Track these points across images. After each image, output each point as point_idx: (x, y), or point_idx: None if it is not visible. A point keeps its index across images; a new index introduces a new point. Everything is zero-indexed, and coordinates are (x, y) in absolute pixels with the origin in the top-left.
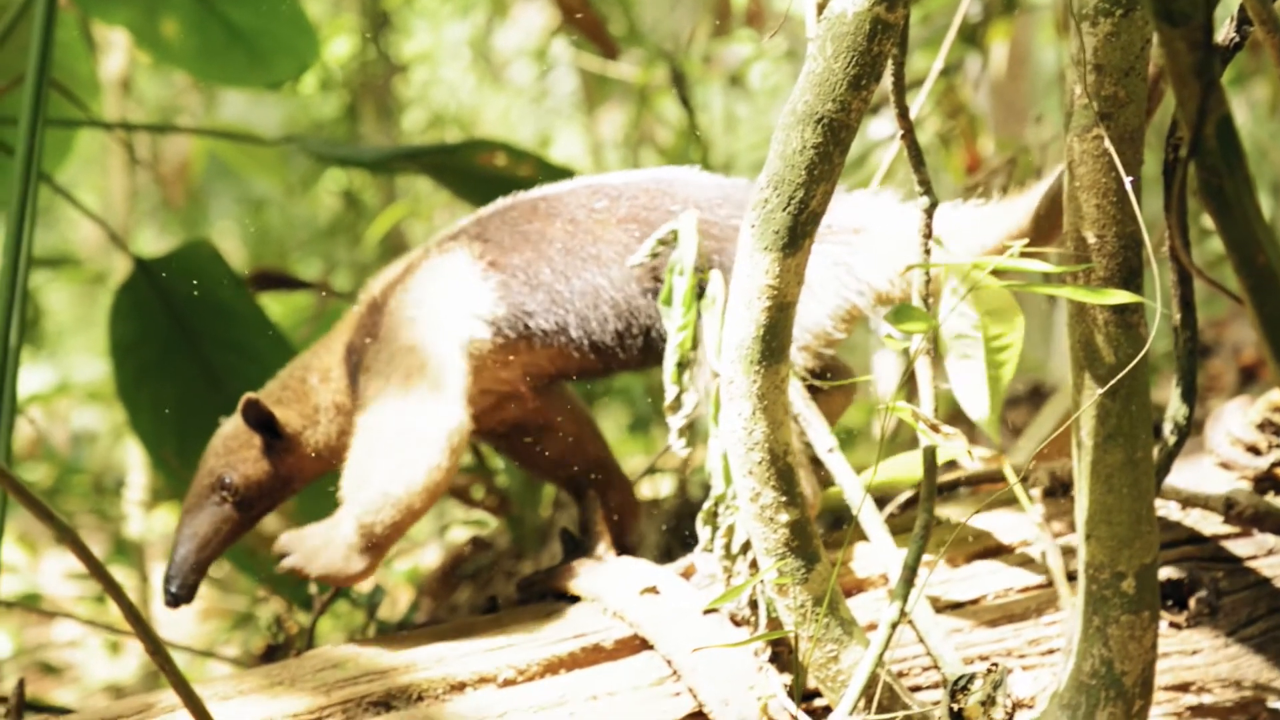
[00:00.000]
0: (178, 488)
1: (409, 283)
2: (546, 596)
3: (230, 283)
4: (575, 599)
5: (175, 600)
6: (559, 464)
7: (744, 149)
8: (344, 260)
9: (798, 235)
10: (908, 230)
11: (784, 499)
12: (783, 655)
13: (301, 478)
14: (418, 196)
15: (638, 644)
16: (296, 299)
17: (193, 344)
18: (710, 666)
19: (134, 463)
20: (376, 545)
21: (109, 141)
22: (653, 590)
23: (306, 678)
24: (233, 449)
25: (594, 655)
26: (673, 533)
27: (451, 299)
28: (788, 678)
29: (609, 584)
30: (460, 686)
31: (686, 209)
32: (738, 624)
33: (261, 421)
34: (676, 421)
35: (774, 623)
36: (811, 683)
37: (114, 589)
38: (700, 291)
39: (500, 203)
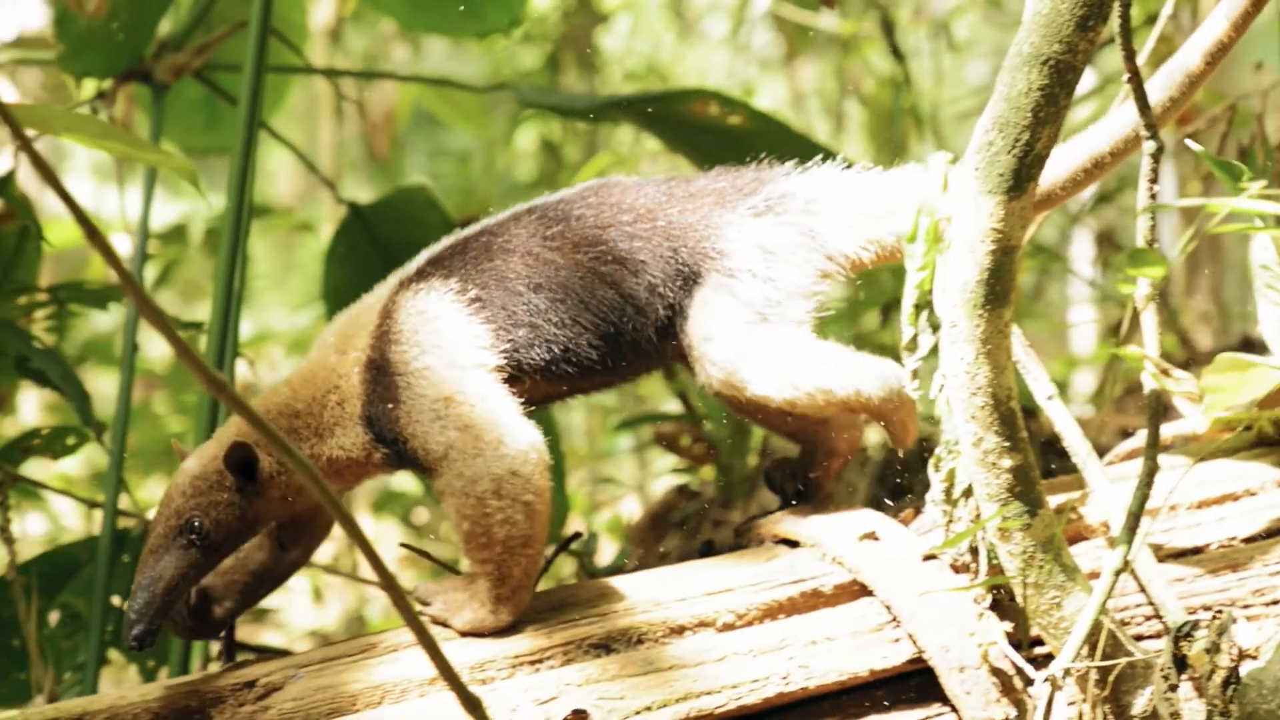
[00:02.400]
0: None
1: (399, 335)
2: (764, 542)
3: (445, 229)
4: (793, 544)
5: (140, 644)
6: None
7: (945, 101)
8: None
9: (1023, 178)
10: (866, 198)
11: (1007, 444)
12: (1003, 602)
13: (265, 519)
14: (618, 148)
15: (856, 590)
16: None
17: None
18: (930, 613)
19: None
20: (521, 586)
21: (317, 91)
22: (872, 536)
23: (528, 620)
24: (202, 490)
25: (812, 600)
26: (881, 482)
27: (452, 338)
28: (1008, 625)
29: (828, 529)
30: (679, 630)
31: (639, 220)
32: (957, 570)
33: (242, 465)
34: (911, 363)
35: (994, 569)
36: (1033, 630)
37: (352, 526)
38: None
39: (448, 241)
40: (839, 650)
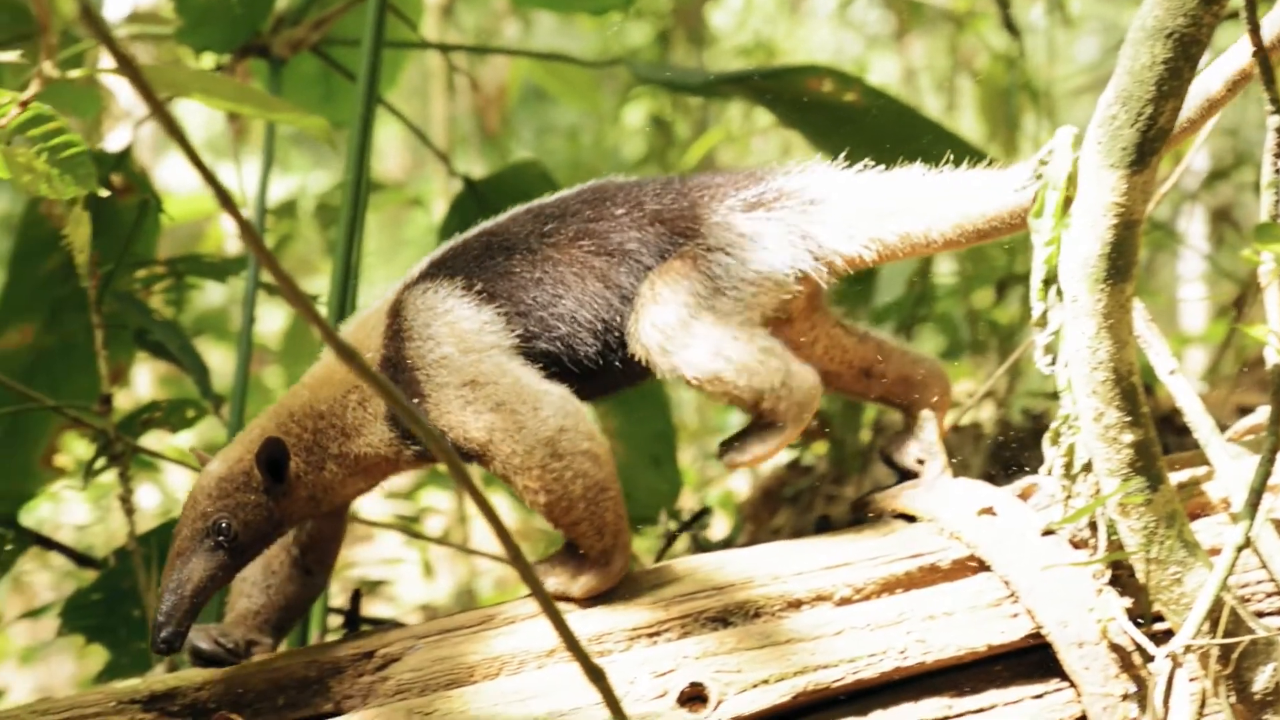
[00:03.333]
0: None
1: (411, 331)
2: (881, 516)
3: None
4: (911, 519)
5: (168, 648)
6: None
7: (1057, 78)
8: None
9: (1145, 152)
10: (869, 198)
11: (1128, 419)
12: (1122, 578)
13: (290, 520)
14: (728, 124)
15: (975, 565)
16: None
17: None
18: (1049, 588)
19: None
20: (618, 533)
21: (429, 67)
22: (990, 511)
23: (646, 593)
24: (229, 492)
25: (930, 575)
26: (994, 457)
27: (464, 325)
28: (1128, 600)
29: (945, 504)
30: (797, 604)
31: (631, 211)
32: (1076, 546)
33: (273, 463)
34: (1043, 339)
35: (1114, 545)
36: (1153, 607)
37: (480, 498)
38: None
39: (447, 245)
40: (957, 625)
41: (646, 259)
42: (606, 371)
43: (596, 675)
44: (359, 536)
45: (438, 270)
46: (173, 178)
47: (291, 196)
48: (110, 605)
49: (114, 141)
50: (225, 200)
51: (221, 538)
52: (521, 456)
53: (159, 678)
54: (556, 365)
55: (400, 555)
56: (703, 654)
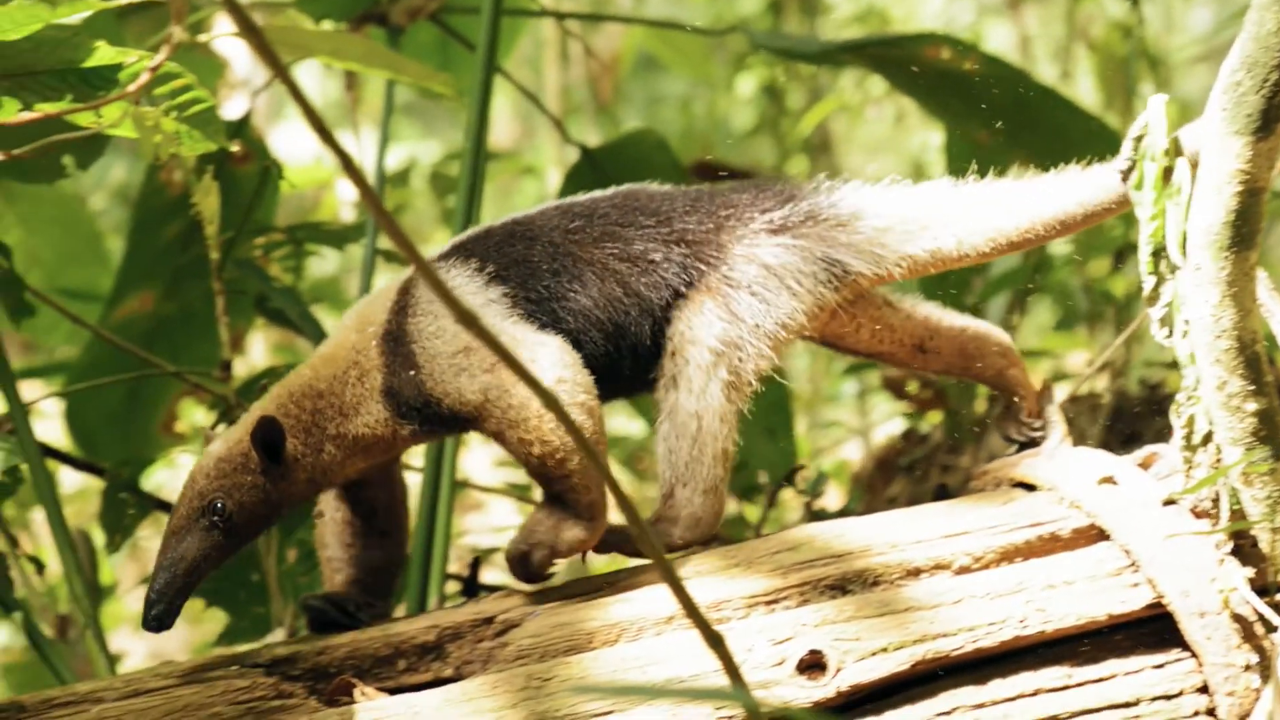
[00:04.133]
0: None
1: (417, 305)
2: (1000, 485)
3: (674, 172)
4: (1030, 488)
5: (158, 625)
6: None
7: (1172, 47)
8: (766, 158)
9: (1271, 118)
10: (900, 215)
11: (1252, 388)
12: (1244, 548)
13: (289, 503)
14: (841, 93)
15: (1095, 534)
16: None
17: None
18: (1170, 558)
19: None
20: (603, 492)
21: (542, 36)
22: (1111, 480)
23: (763, 560)
24: (226, 472)
25: (1050, 544)
26: (1111, 427)
27: (472, 299)
28: (1250, 570)
29: (1066, 473)
30: (915, 572)
31: (659, 225)
32: (1198, 516)
33: (269, 444)
34: (1157, 312)
35: (1236, 515)
36: (1277, 577)
37: (597, 460)
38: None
39: (473, 231)
40: (1077, 594)
41: (668, 274)
42: (612, 375)
43: (715, 642)
44: (469, 505)
45: (457, 252)
46: (286, 147)
47: (404, 165)
48: (228, 569)
49: (231, 110)
50: (348, 164)
51: (216, 518)
52: (517, 411)
53: (281, 642)
54: None
55: (511, 524)
56: (821, 622)
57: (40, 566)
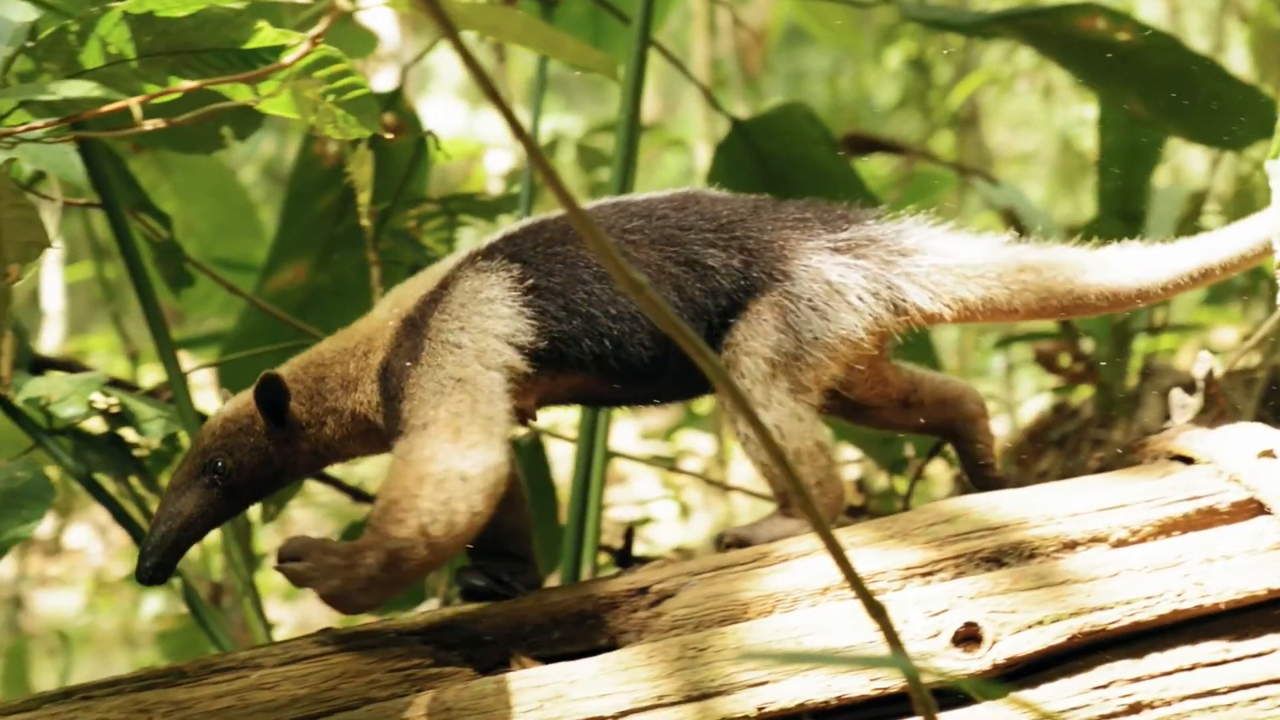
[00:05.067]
0: None
1: (448, 305)
2: (1157, 458)
3: (825, 145)
4: (1187, 461)
5: (151, 578)
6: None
7: None
8: (912, 133)
9: None
10: (957, 258)
11: None
12: None
13: (292, 472)
14: (991, 67)
15: (1254, 508)
16: (875, 165)
17: None
18: None
19: None
20: (399, 580)
21: (690, 8)
22: (1270, 454)
23: (918, 531)
24: (230, 432)
25: (1208, 518)
26: (1265, 404)
27: (494, 326)
28: None
29: (1224, 446)
30: (1072, 545)
31: (719, 227)
32: None
33: (272, 403)
34: None
35: None
36: None
37: (756, 421)
38: None
39: (528, 221)
40: (1235, 568)
41: (724, 281)
42: (657, 377)
43: (878, 611)
44: (614, 478)
45: (503, 249)
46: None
47: (551, 139)
48: None
49: (382, 82)
50: (520, 132)
51: (216, 476)
52: (422, 459)
53: (437, 610)
54: (598, 364)
55: (656, 496)
56: (977, 594)
57: None
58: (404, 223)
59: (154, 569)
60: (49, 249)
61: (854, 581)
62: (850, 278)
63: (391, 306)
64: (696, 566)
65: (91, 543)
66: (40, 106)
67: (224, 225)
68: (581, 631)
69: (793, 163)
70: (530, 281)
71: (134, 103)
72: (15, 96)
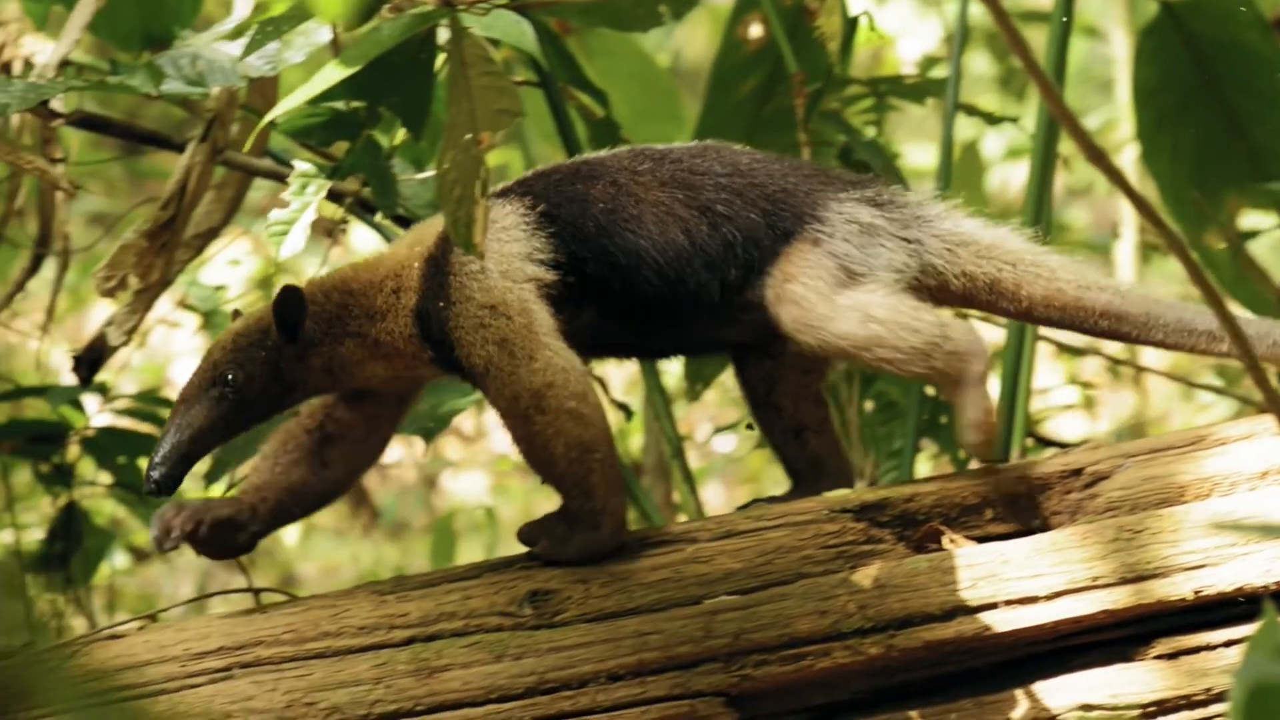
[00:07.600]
0: (1193, 233)
1: None
2: None
3: (1257, 27)
4: None
5: (158, 489)
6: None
7: None
8: None
9: None
10: (970, 233)
11: None
12: None
13: (304, 389)
14: None
15: None
16: None
17: (1215, 90)
18: None
19: None
20: (608, 495)
21: None
22: None
23: None
24: (242, 345)
25: None
26: None
27: (512, 248)
28: None
29: None
30: None
31: (734, 177)
32: None
33: (288, 317)
34: None
35: None
36: None
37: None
38: None
39: (542, 168)
40: None
41: (735, 230)
42: (670, 320)
43: None
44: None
45: (517, 188)
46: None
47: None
48: None
49: None
50: (998, 13)
51: (226, 388)
52: (508, 402)
53: (869, 489)
54: (607, 296)
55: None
56: None
57: (629, 413)
58: (830, 104)
59: (162, 480)
60: (520, 116)
61: None
62: (882, 223)
63: (412, 244)
64: (1132, 449)
65: (496, 429)
66: None
67: (646, 109)
68: (1014, 512)
69: (1223, 46)
70: (542, 208)
71: None
72: None
